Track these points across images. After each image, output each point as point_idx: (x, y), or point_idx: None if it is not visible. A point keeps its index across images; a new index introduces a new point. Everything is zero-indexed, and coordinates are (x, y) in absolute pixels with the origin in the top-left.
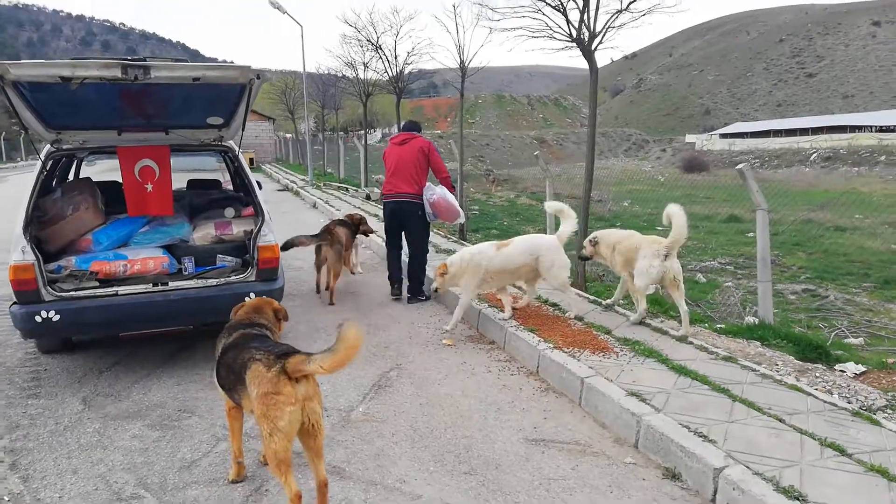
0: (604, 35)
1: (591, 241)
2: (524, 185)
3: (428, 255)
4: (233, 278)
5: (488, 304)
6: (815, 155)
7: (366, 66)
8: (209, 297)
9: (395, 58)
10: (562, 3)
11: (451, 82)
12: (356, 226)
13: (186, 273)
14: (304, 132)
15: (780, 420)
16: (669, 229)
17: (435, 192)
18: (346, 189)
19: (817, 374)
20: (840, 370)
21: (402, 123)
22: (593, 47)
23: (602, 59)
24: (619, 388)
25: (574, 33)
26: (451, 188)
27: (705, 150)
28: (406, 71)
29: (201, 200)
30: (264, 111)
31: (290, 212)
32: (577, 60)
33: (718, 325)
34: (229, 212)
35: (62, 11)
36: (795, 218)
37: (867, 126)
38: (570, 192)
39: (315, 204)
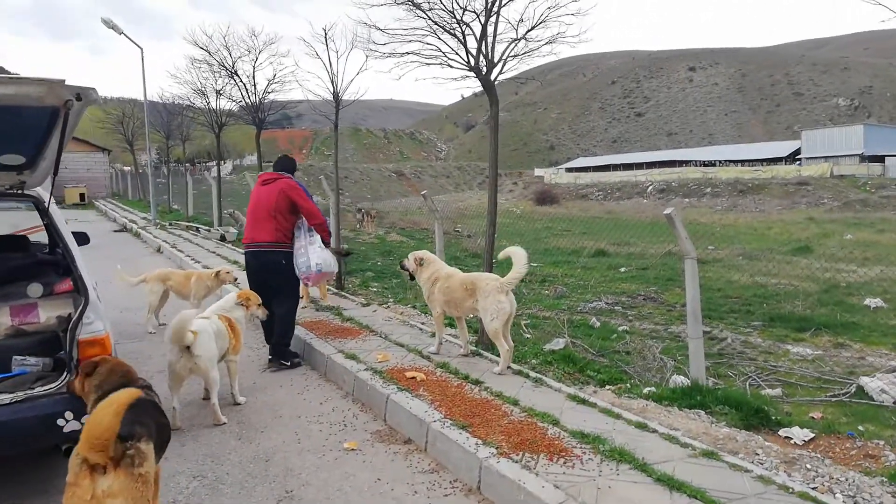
0: (504, 65)
1: (417, 260)
2: (390, 220)
3: (296, 310)
4: (39, 390)
5: (398, 386)
6: (650, 187)
7: (219, 93)
8: (1, 423)
9: (255, 85)
10: (460, 28)
11: (308, 113)
12: None
13: None
14: (144, 164)
15: None
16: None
17: (311, 270)
18: (197, 229)
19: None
20: (786, 436)
21: (276, 159)
22: (493, 77)
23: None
24: None
25: (472, 62)
26: (328, 234)
27: (554, 183)
28: (267, 100)
29: None
30: (98, 142)
31: (130, 258)
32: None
33: (648, 389)
34: (35, 289)
35: None
36: (654, 252)
37: (692, 160)
38: (444, 228)
39: (160, 248)
